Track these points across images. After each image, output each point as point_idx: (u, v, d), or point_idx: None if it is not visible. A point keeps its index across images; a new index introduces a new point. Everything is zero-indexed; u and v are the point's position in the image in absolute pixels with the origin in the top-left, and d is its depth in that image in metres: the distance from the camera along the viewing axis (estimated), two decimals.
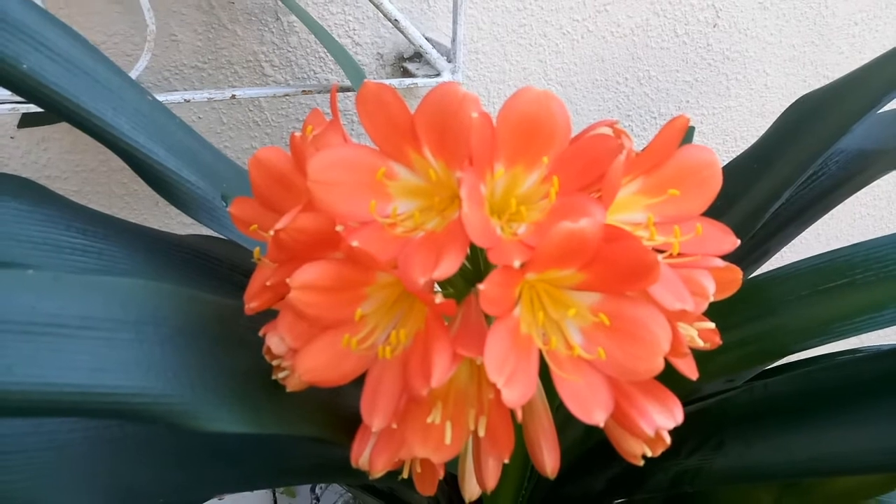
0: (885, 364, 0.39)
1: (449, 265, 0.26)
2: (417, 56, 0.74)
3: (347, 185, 0.29)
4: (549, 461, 0.33)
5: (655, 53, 0.86)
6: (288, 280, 0.28)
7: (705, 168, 0.32)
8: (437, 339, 0.27)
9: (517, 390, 0.26)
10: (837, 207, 1.02)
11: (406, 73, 0.74)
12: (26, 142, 0.67)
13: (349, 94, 0.73)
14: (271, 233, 0.29)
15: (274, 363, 0.32)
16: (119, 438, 0.37)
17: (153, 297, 0.30)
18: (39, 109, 0.55)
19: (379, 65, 0.74)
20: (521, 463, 0.56)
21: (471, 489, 0.37)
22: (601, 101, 0.86)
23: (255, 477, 0.42)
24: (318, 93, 0.65)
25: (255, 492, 0.90)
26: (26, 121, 0.63)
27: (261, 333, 0.32)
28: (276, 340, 0.31)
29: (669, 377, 0.34)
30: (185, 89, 0.67)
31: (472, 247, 0.35)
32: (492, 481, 0.33)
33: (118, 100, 0.38)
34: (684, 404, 0.54)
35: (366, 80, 0.28)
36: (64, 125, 0.66)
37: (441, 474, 0.34)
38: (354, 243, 0.26)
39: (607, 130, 0.29)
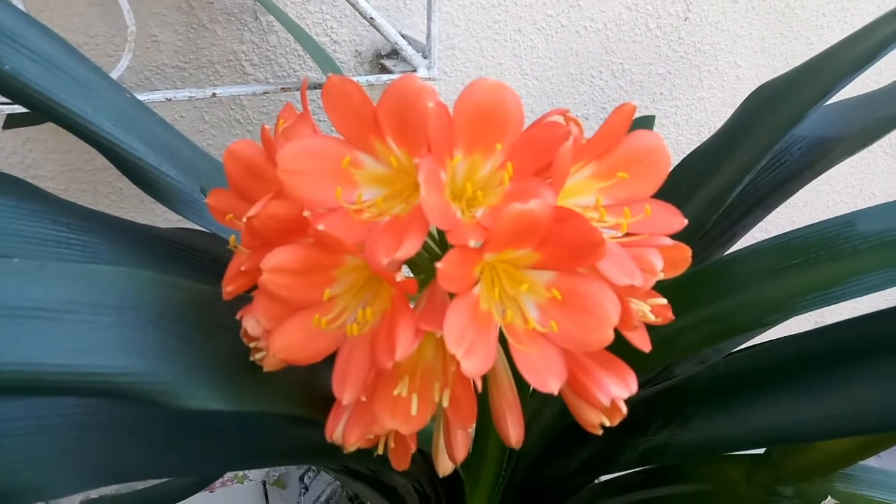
0: (832, 336, 0.42)
1: (410, 246, 0.28)
2: (394, 53, 0.76)
3: (315, 173, 0.31)
4: (514, 432, 0.35)
5: (629, 47, 0.88)
6: (260, 264, 0.30)
7: (653, 153, 0.33)
8: (401, 316, 0.29)
9: (476, 361, 0.28)
10: (812, 196, 1.04)
11: (384, 70, 0.75)
12: (11, 142, 0.68)
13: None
14: (244, 219, 0.31)
15: (251, 345, 0.34)
16: (108, 423, 0.39)
17: (134, 282, 0.32)
18: (24, 111, 0.57)
19: (357, 62, 0.76)
20: (500, 447, 0.58)
21: (443, 464, 0.39)
22: (577, 94, 0.88)
23: (239, 459, 0.44)
24: (298, 90, 0.67)
25: (247, 484, 0.92)
26: (11, 122, 0.65)
27: (238, 317, 0.33)
28: (252, 323, 0.33)
29: (638, 358, 0.36)
30: (167, 88, 0.68)
31: (441, 233, 0.37)
32: (460, 454, 0.35)
33: (98, 98, 0.40)
34: (655, 384, 0.56)
35: (330, 74, 0.30)
36: (49, 126, 0.68)
37: (413, 447, 0.36)
38: (320, 227, 0.28)
39: (559, 119, 0.31)
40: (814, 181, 0.63)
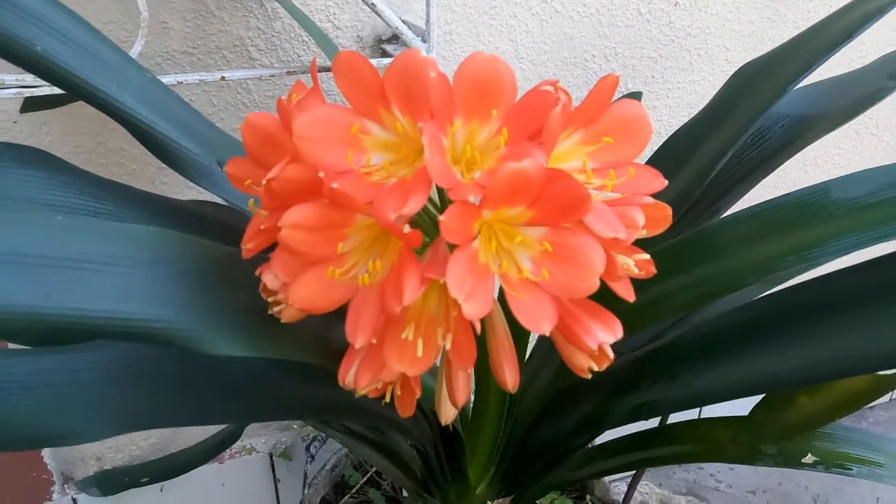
0: (805, 294, 0.45)
1: (415, 203, 0.32)
2: (395, 38, 0.79)
3: (328, 139, 0.34)
4: (510, 377, 0.38)
5: (621, 31, 0.91)
6: (279, 221, 0.33)
7: (636, 120, 0.37)
8: (408, 266, 0.32)
9: (476, 305, 0.31)
10: (801, 176, 1.08)
11: (385, 54, 0.78)
12: (28, 125, 0.71)
13: (330, 73, 0.78)
14: (264, 182, 0.34)
15: (270, 300, 0.37)
16: (135, 375, 0.42)
17: (164, 240, 0.35)
18: (42, 94, 0.60)
19: (358, 47, 0.79)
20: (498, 409, 0.62)
21: (447, 411, 0.42)
22: (571, 77, 0.91)
23: (253, 412, 0.47)
24: (303, 73, 0.70)
25: (254, 455, 0.95)
26: (28, 105, 0.68)
27: (257, 273, 0.37)
28: (270, 277, 0.36)
29: (631, 319, 0.39)
30: (177, 73, 0.71)
31: (442, 198, 0.40)
32: (462, 397, 0.39)
33: (122, 77, 0.43)
34: (643, 346, 0.59)
35: (340, 50, 0.33)
36: (64, 109, 0.71)
37: (418, 392, 0.39)
38: (335, 185, 0.31)
39: (549, 88, 0.34)
40: (802, 163, 0.66)
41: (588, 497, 0.79)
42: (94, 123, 0.73)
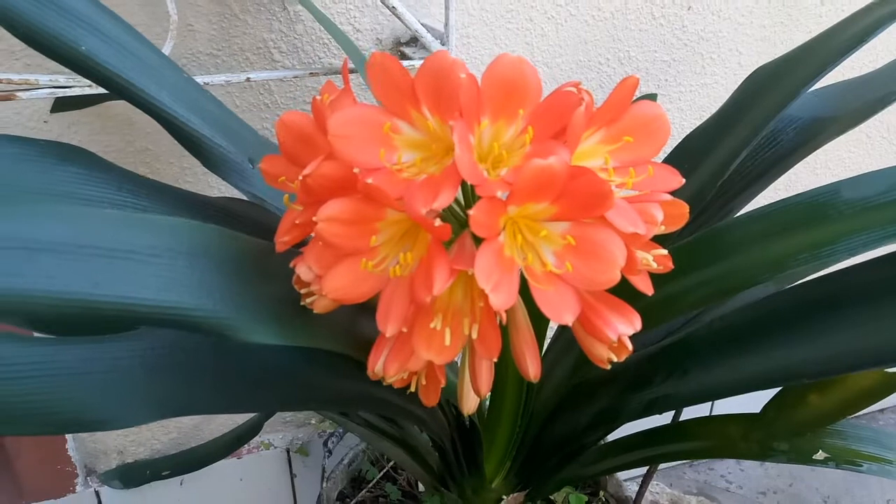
0: (813, 291, 0.46)
1: (445, 198, 0.33)
2: (413, 41, 0.80)
3: (360, 137, 0.36)
4: (532, 367, 0.39)
5: (634, 35, 0.92)
6: (314, 217, 0.35)
7: (655, 120, 0.38)
8: (438, 258, 0.34)
9: (502, 295, 0.33)
10: (812, 179, 1.09)
11: (403, 57, 0.80)
12: (58, 125, 0.73)
13: (351, 76, 0.79)
14: (300, 178, 0.35)
15: (302, 291, 0.39)
16: (170, 365, 0.43)
17: (203, 234, 0.36)
18: (72, 94, 0.62)
19: (378, 49, 0.81)
20: (515, 405, 0.63)
21: (469, 402, 0.44)
22: (585, 80, 0.93)
23: (281, 400, 0.49)
24: (325, 75, 0.72)
25: (272, 450, 0.97)
26: (59, 105, 0.70)
27: (291, 265, 0.38)
28: (304, 269, 0.37)
29: (647, 314, 0.40)
30: (202, 74, 0.73)
31: (466, 196, 0.41)
32: (485, 386, 0.40)
33: (160, 77, 0.44)
34: (656, 342, 0.61)
35: (373, 52, 0.35)
36: (92, 110, 0.73)
37: (442, 381, 0.41)
38: (369, 180, 0.33)
39: (572, 89, 0.36)
40: (814, 166, 0.67)
41: (601, 493, 0.80)
42: (121, 124, 0.75)
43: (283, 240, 0.38)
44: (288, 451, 0.98)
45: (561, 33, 0.88)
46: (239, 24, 0.74)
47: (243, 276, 0.38)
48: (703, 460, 1.31)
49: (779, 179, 0.67)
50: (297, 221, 0.37)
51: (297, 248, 0.40)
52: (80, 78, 0.62)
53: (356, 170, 0.34)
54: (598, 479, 0.83)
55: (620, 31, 0.92)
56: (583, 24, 0.89)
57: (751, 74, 0.63)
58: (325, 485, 0.80)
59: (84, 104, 0.69)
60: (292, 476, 1.00)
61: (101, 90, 0.61)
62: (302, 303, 0.39)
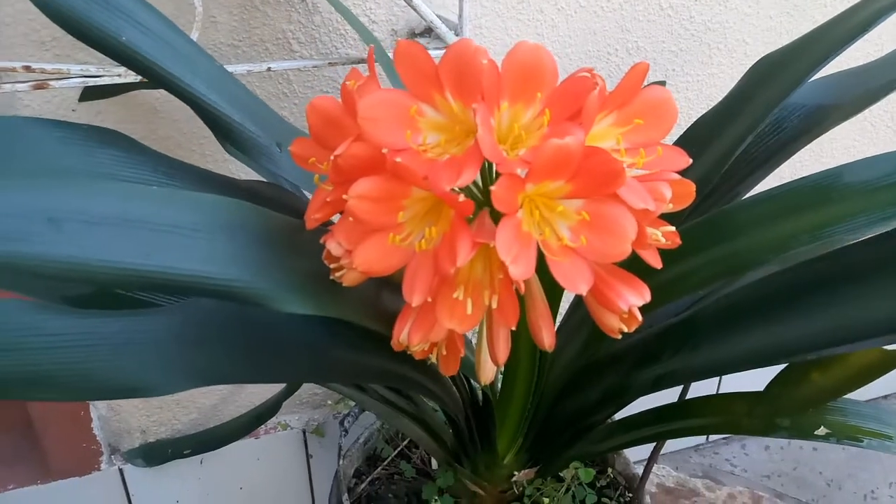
0: (815, 267, 0.49)
1: (468, 175, 0.36)
2: (428, 31, 0.82)
3: (388, 120, 0.38)
4: (547, 337, 0.42)
5: (643, 26, 0.94)
6: (344, 196, 0.38)
7: (664, 103, 0.40)
8: (461, 231, 0.36)
9: (521, 267, 0.35)
10: (818, 167, 1.11)
11: None
12: (86, 114, 0.75)
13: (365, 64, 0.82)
14: (331, 158, 0.38)
15: (332, 266, 0.41)
16: (204, 338, 0.46)
17: (240, 211, 0.39)
18: (99, 84, 0.65)
19: (393, 40, 0.83)
20: (527, 383, 0.66)
21: (486, 372, 0.46)
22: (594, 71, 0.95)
23: (306, 373, 0.52)
24: (343, 65, 0.74)
25: (288, 431, 1.00)
26: (86, 94, 0.72)
27: (321, 241, 0.41)
28: (334, 245, 0.40)
29: (657, 293, 0.42)
30: (225, 64, 0.76)
31: (484, 178, 0.44)
32: (502, 355, 0.43)
33: (194, 65, 0.47)
34: (665, 320, 0.63)
35: (399, 39, 0.37)
36: (118, 99, 0.75)
37: (462, 351, 0.43)
38: (398, 159, 0.35)
39: (586, 75, 0.38)
40: (819, 154, 0.68)
41: (609, 470, 0.83)
42: (146, 113, 0.78)
43: (314, 217, 0.41)
44: (304, 432, 1.01)
45: (570, 24, 0.90)
46: (259, 16, 0.77)
47: (277, 250, 0.40)
48: (709, 445, 1.34)
49: (785, 168, 0.69)
50: (327, 199, 0.40)
51: (324, 227, 0.43)
52: (109, 67, 0.64)
53: (385, 150, 0.37)
54: (605, 456, 0.85)
55: (629, 22, 0.94)
56: (592, 14, 0.91)
57: (755, 63, 0.65)
58: (341, 462, 0.82)
59: (111, 93, 0.72)
60: (308, 456, 1.03)
61: (129, 80, 0.64)
62: (331, 277, 0.41)
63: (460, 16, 0.75)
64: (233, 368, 0.47)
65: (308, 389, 1.00)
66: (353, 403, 0.94)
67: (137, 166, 0.47)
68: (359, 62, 0.78)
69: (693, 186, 0.41)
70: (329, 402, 1.00)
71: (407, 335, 0.40)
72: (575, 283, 0.36)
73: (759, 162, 0.70)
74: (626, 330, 0.41)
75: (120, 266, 0.34)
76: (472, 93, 0.37)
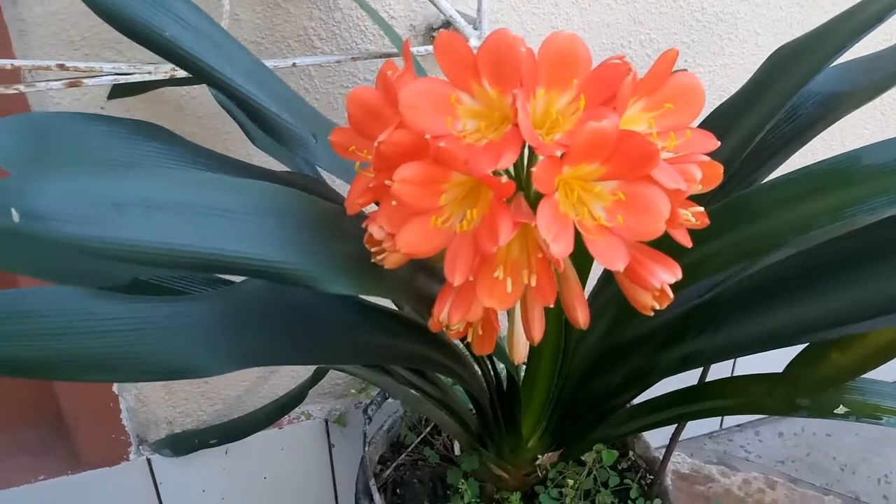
0: (836, 246, 0.50)
1: (508, 158, 0.37)
2: (445, 26, 0.84)
3: (428, 107, 0.40)
4: (582, 315, 0.44)
5: (655, 18, 0.96)
6: (387, 182, 0.39)
7: (692, 89, 0.42)
8: (501, 212, 0.38)
9: (560, 245, 0.37)
10: (826, 153, 1.12)
11: None
12: (114, 112, 0.77)
13: (383, 60, 0.83)
14: (375, 144, 0.39)
15: (373, 249, 0.43)
16: (247, 322, 0.48)
17: (288, 196, 0.41)
18: (128, 81, 0.66)
19: (411, 35, 0.85)
20: (552, 364, 0.67)
21: (519, 350, 0.48)
22: None
23: (340, 354, 0.53)
24: (366, 59, 0.76)
25: (311, 421, 1.02)
26: (115, 92, 0.74)
27: (364, 225, 0.42)
28: (376, 229, 0.41)
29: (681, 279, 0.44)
30: None
31: (516, 164, 0.45)
32: (538, 333, 0.44)
33: (233, 59, 0.48)
34: (688, 302, 0.64)
35: (440, 31, 0.39)
36: (145, 96, 0.77)
37: (499, 329, 0.45)
38: (441, 144, 0.37)
39: (618, 62, 0.40)
40: (830, 143, 0.70)
41: (630, 454, 0.84)
42: (172, 110, 0.79)
43: (357, 202, 0.42)
44: (326, 422, 1.03)
45: (585, 17, 0.92)
46: (281, 13, 0.78)
47: (322, 234, 0.42)
48: (723, 431, 1.35)
49: (796, 158, 0.70)
50: (369, 185, 0.41)
51: (363, 213, 0.45)
52: (139, 65, 0.66)
53: (428, 136, 0.38)
54: (626, 440, 0.87)
55: (641, 15, 0.95)
56: (605, 7, 0.92)
57: (773, 53, 0.67)
58: (367, 449, 0.84)
59: (138, 91, 0.74)
60: (330, 446, 1.05)
61: (158, 77, 0.66)
62: (372, 260, 0.43)
63: (479, 10, 0.77)
64: (274, 350, 0.49)
65: (330, 380, 1.02)
66: (374, 393, 0.96)
67: (179, 158, 0.49)
68: (379, 57, 0.79)
69: (721, 168, 0.43)
70: (352, 391, 1.02)
71: (447, 314, 0.42)
72: (612, 260, 0.38)
73: (776, 149, 0.71)
74: (658, 307, 0.43)
75: (178, 249, 0.35)
76: (510, 80, 0.39)
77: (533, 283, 0.40)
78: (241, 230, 0.38)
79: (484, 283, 0.40)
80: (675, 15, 0.96)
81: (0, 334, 0.39)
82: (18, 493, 0.90)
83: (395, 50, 0.78)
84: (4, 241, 0.53)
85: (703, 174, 0.41)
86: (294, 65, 0.73)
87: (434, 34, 0.85)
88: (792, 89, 0.63)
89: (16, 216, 0.30)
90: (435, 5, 0.75)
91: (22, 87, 0.64)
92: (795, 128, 0.71)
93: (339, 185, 0.68)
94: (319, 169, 0.61)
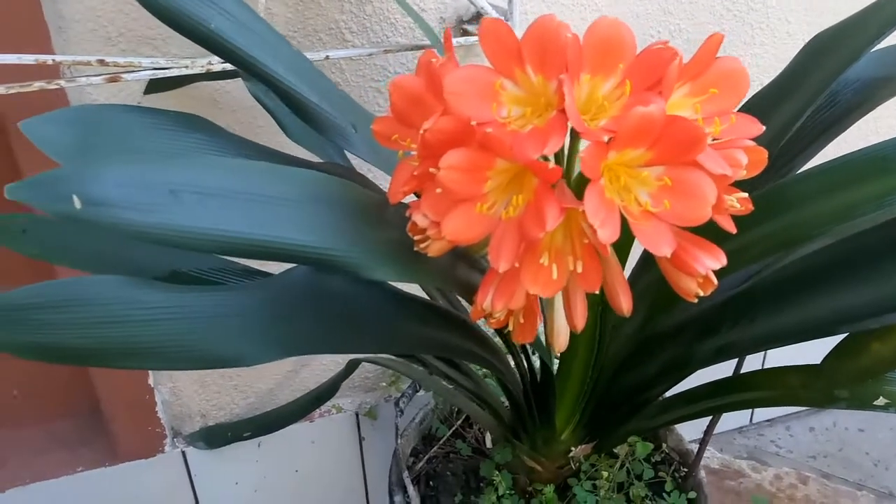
0: (878, 233, 0.49)
1: (554, 144, 0.37)
2: (475, 18, 0.84)
3: (472, 94, 0.40)
4: (625, 301, 0.43)
5: (685, 7, 0.95)
6: (431, 169, 0.39)
7: (737, 73, 0.42)
8: (548, 197, 0.38)
9: (608, 230, 0.37)
10: (856, 140, 1.10)
11: (466, 34, 0.84)
12: (150, 106, 0.78)
13: (416, 52, 0.84)
14: (421, 132, 0.39)
15: (416, 238, 0.43)
16: (289, 312, 0.48)
17: (334, 185, 0.41)
18: (165, 76, 0.67)
19: (441, 28, 0.85)
20: (587, 355, 0.67)
21: (560, 338, 0.48)
22: None
23: (378, 343, 0.54)
24: (398, 52, 0.76)
25: (342, 414, 1.02)
26: (151, 87, 0.75)
27: (407, 214, 0.43)
28: (420, 217, 0.42)
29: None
30: None
31: (557, 156, 0.45)
32: (581, 321, 0.44)
33: (275, 50, 0.49)
34: (725, 292, 0.64)
35: (484, 17, 0.39)
36: (180, 91, 0.78)
37: (541, 318, 0.45)
38: (489, 130, 0.37)
39: (662, 46, 0.40)
40: (865, 132, 0.69)
41: (663, 446, 0.84)
42: (206, 104, 0.80)
43: (402, 190, 0.43)
44: (357, 415, 1.03)
45: (614, 8, 0.91)
46: (313, 7, 0.79)
47: (367, 222, 0.42)
48: (752, 426, 1.34)
49: (830, 148, 0.69)
50: (414, 174, 0.42)
51: (403, 202, 0.45)
52: (176, 59, 0.67)
53: (474, 122, 0.38)
54: (658, 432, 0.86)
55: (671, 5, 0.94)
56: None
57: (811, 39, 0.66)
58: (399, 441, 0.84)
59: (174, 85, 0.74)
60: (360, 439, 1.06)
61: (195, 71, 0.67)
62: (415, 248, 0.43)
63: (510, 1, 0.77)
64: (316, 339, 0.49)
65: (360, 373, 1.02)
66: (404, 386, 0.97)
67: (221, 149, 0.49)
68: (411, 49, 0.80)
69: (765, 153, 0.42)
70: (382, 384, 1.03)
71: (490, 301, 0.42)
72: (659, 245, 0.38)
73: (813, 137, 0.70)
74: (702, 294, 0.43)
75: (233, 235, 0.36)
76: (555, 66, 0.39)
77: (579, 270, 0.40)
78: (292, 217, 0.38)
79: (529, 269, 0.40)
80: (705, 4, 0.96)
81: (52, 322, 0.40)
82: (59, 485, 0.91)
83: (427, 42, 0.79)
84: (46, 231, 0.55)
85: (748, 160, 0.41)
86: (327, 58, 0.74)
87: (464, 26, 0.85)
88: (832, 74, 0.62)
89: (77, 203, 0.31)
90: None
91: (63, 83, 0.65)
92: (834, 114, 0.70)
93: (373, 175, 0.69)
94: (351, 159, 0.61)
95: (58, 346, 0.39)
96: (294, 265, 0.47)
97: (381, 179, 0.73)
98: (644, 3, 0.92)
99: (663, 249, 0.38)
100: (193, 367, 0.44)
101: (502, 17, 0.78)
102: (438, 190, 0.40)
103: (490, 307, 0.42)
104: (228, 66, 0.66)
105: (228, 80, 0.78)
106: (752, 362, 0.75)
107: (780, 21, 1.00)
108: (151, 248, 0.54)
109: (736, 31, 0.99)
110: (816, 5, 1.01)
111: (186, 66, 0.66)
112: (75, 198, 0.31)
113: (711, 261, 0.41)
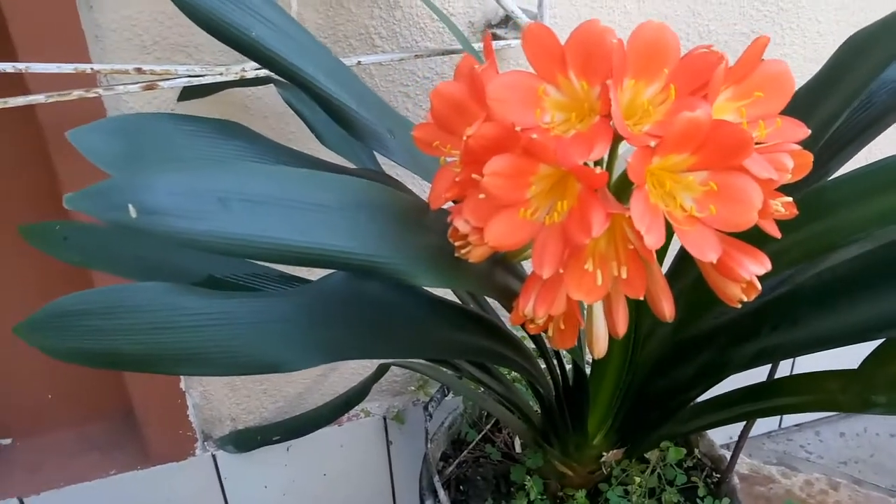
0: None
1: (600, 149, 0.37)
2: (504, 22, 0.84)
3: (515, 100, 0.40)
4: (667, 308, 0.43)
5: (714, 8, 0.94)
6: (474, 175, 0.40)
7: (782, 76, 0.41)
8: (593, 203, 0.38)
9: (654, 236, 0.37)
10: (888, 147, 1.09)
11: (495, 37, 0.84)
12: (183, 113, 0.79)
13: (444, 57, 0.84)
14: (464, 138, 0.40)
15: (457, 244, 0.43)
16: (328, 318, 0.48)
17: (377, 191, 0.41)
18: (198, 83, 0.68)
19: (470, 32, 0.85)
20: (620, 359, 0.67)
21: (600, 344, 0.47)
22: None
23: (412, 348, 0.54)
24: (428, 56, 0.76)
25: (370, 418, 1.03)
26: (185, 94, 0.76)
27: (448, 220, 0.43)
28: (461, 223, 0.42)
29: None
30: None
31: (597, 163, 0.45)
32: (622, 327, 0.44)
33: (314, 57, 0.49)
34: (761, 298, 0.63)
35: (528, 23, 0.39)
36: (212, 98, 0.79)
37: (582, 324, 0.45)
38: (534, 136, 0.37)
39: (705, 50, 0.39)
40: (893, 139, 0.68)
41: (695, 451, 0.83)
42: (238, 110, 0.81)
43: (444, 196, 0.43)
44: (384, 419, 1.04)
45: (643, 9, 0.91)
46: (343, 13, 0.79)
47: (408, 228, 0.42)
48: (781, 431, 1.32)
49: (860, 154, 0.68)
50: (456, 179, 0.42)
51: (443, 208, 0.45)
52: (211, 66, 0.67)
53: (518, 128, 0.38)
54: (689, 437, 0.86)
55: (700, 6, 0.94)
56: (663, 0, 0.91)
57: (847, 40, 0.65)
58: (429, 446, 0.84)
59: (208, 92, 0.75)
60: (388, 443, 1.06)
61: (229, 78, 0.67)
62: (456, 254, 0.43)
63: (540, 4, 0.77)
64: (353, 345, 0.50)
65: (388, 378, 1.02)
66: (433, 390, 0.97)
67: (259, 156, 0.50)
68: (441, 54, 0.80)
69: (811, 157, 0.42)
70: (410, 388, 1.03)
71: (532, 307, 0.42)
72: (704, 251, 0.38)
73: (848, 139, 0.69)
74: (745, 299, 0.42)
75: (279, 243, 0.36)
76: (599, 71, 0.39)
77: (623, 275, 0.39)
78: (335, 224, 0.38)
79: (573, 275, 0.40)
80: (734, 5, 0.95)
81: (103, 329, 0.41)
82: (92, 487, 0.92)
83: (457, 47, 0.79)
84: (87, 238, 0.55)
85: (794, 163, 0.41)
86: (359, 63, 0.74)
87: (493, 30, 0.85)
88: (869, 75, 0.62)
89: (133, 212, 0.32)
90: (497, 2, 0.75)
91: (101, 91, 0.66)
92: (869, 116, 0.69)
93: (405, 181, 0.69)
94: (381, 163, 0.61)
95: (109, 352, 0.39)
96: (331, 271, 0.47)
97: (412, 183, 0.74)
98: (672, 4, 0.92)
99: (709, 255, 0.38)
100: (238, 373, 0.45)
101: (532, 21, 0.78)
102: (481, 196, 0.40)
103: (532, 313, 0.42)
104: (261, 73, 0.67)
105: (260, 87, 0.79)
106: (783, 368, 0.74)
107: (810, 21, 0.99)
108: (190, 254, 0.55)
109: (765, 32, 0.98)
110: (847, 4, 1.00)
111: (221, 74, 0.67)
112: (131, 207, 0.32)
113: (756, 266, 0.41)
